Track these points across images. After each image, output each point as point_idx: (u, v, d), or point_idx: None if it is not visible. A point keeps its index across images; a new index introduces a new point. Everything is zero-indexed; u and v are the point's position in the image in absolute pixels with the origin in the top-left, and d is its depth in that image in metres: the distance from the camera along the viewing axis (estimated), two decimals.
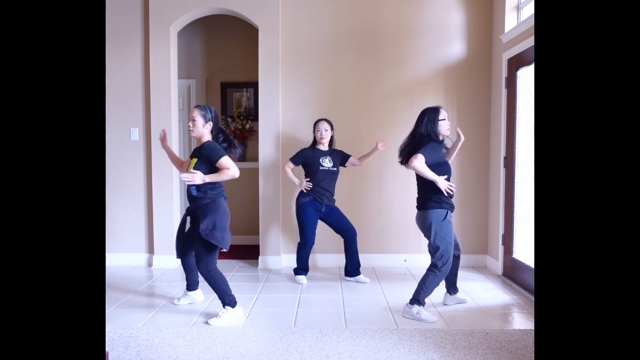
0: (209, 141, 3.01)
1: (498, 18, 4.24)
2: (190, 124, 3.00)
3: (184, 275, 3.40)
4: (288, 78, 4.42)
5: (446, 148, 3.13)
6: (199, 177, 2.87)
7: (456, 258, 3.23)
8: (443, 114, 3.03)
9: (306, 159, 3.88)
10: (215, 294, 3.28)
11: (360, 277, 3.96)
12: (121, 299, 3.46)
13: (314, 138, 3.95)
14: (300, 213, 3.85)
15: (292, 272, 4.15)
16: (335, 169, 3.90)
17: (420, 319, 2.99)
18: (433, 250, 3.04)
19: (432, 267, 3.03)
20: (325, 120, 3.93)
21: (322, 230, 4.17)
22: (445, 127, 3.03)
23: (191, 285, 3.34)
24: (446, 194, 2.96)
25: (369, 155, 4.04)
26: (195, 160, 2.98)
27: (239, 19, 4.72)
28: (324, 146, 3.92)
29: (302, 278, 3.92)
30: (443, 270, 3.01)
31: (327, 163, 3.86)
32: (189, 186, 2.97)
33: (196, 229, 2.99)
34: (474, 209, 4.44)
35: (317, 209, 3.85)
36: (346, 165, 4.02)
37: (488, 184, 4.45)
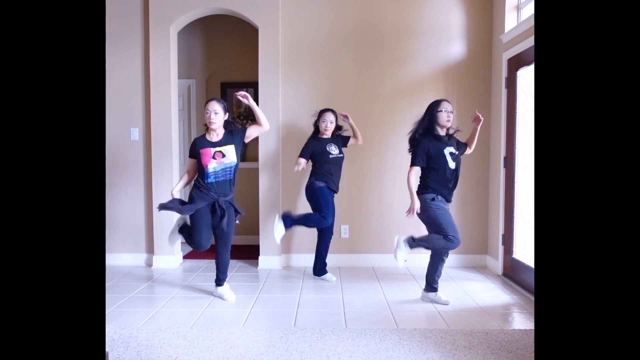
0: (233, 127, 3.36)
1: (498, 18, 4.24)
2: (212, 116, 3.21)
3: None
4: (288, 78, 4.42)
5: (449, 138, 3.29)
6: (251, 101, 3.28)
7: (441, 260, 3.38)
8: (443, 106, 3.20)
9: (314, 149, 3.83)
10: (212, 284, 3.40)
11: (327, 275, 3.98)
12: (121, 299, 3.46)
13: (316, 128, 3.91)
14: (317, 194, 3.76)
15: (292, 273, 4.15)
16: (341, 155, 3.91)
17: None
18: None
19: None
20: (331, 111, 3.88)
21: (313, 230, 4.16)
22: (443, 117, 3.19)
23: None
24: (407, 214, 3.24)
25: (354, 130, 4.06)
26: (231, 145, 3.25)
27: (239, 19, 4.72)
28: (327, 135, 3.89)
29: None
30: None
31: (334, 150, 3.85)
32: (226, 180, 3.25)
33: (229, 217, 3.29)
34: (474, 209, 4.44)
35: (330, 192, 3.86)
36: (347, 145, 4.05)
37: (488, 184, 4.45)
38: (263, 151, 4.39)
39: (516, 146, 3.89)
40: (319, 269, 3.99)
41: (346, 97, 4.43)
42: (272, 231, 3.83)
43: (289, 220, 3.77)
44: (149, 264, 4.48)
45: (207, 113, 3.22)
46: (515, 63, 3.88)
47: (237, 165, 3.29)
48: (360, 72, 4.42)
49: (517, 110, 3.89)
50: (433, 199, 3.18)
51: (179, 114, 5.12)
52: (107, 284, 3.82)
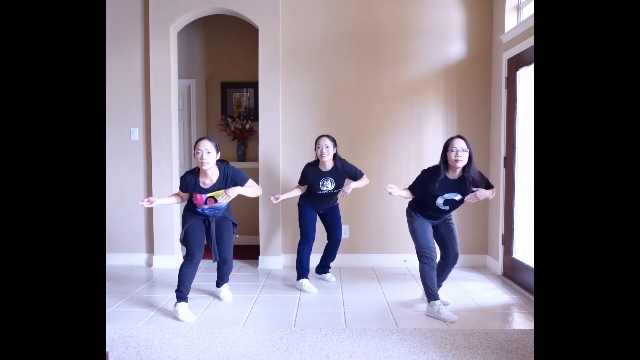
0: (227, 167, 3.13)
1: (498, 18, 4.24)
2: (205, 156, 2.93)
3: (193, 280, 3.28)
4: (288, 78, 4.42)
5: (460, 182, 3.02)
6: (234, 192, 3.04)
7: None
8: (452, 145, 2.95)
9: (307, 178, 3.66)
10: (215, 285, 3.56)
11: (327, 275, 3.97)
12: (121, 299, 3.46)
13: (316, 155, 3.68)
14: (299, 213, 3.79)
15: (292, 273, 4.15)
16: (336, 190, 3.67)
17: (440, 317, 3.00)
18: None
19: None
20: (327, 136, 3.62)
21: (320, 230, 4.15)
22: (451, 158, 2.94)
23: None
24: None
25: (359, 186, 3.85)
26: (222, 191, 3.06)
27: (239, 19, 4.72)
28: (325, 165, 3.62)
29: (303, 283, 3.66)
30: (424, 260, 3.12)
31: (327, 186, 3.63)
32: (218, 204, 3.11)
33: (226, 228, 3.25)
34: (474, 209, 4.43)
35: (315, 209, 3.78)
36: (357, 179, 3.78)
37: None
38: (263, 151, 4.39)
39: (516, 146, 3.89)
40: (320, 267, 3.99)
41: (346, 97, 4.43)
42: (301, 286, 3.69)
43: (303, 272, 3.72)
44: (149, 264, 4.48)
45: (198, 153, 2.93)
46: (515, 63, 3.88)
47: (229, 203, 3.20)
48: (360, 72, 4.42)
49: (517, 110, 3.89)
50: (411, 214, 3.20)
51: (179, 114, 5.12)
52: (107, 284, 3.82)
